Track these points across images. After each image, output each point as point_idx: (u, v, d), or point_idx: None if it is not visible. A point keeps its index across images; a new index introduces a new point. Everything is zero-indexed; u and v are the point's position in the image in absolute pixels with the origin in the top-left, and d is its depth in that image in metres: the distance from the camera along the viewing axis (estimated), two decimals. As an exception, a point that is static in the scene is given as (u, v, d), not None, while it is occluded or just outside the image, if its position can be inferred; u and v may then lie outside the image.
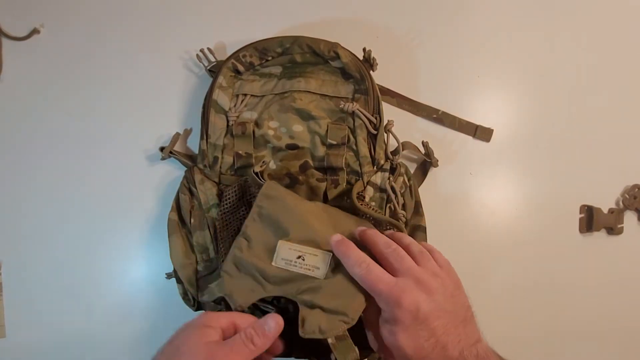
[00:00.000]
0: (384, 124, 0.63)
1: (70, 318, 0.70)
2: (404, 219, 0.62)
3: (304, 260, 0.52)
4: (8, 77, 0.72)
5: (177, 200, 0.65)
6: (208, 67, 0.68)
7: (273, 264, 0.52)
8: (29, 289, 0.70)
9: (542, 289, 0.72)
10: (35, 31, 0.71)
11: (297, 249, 0.52)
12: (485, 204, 0.72)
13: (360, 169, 0.62)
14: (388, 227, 0.60)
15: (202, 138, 0.64)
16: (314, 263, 0.52)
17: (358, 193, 0.61)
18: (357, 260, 0.48)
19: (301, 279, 0.51)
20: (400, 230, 0.58)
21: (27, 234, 0.71)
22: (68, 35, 0.72)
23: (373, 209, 0.60)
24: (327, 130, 0.62)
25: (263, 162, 0.62)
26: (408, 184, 0.64)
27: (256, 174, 0.59)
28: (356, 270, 0.48)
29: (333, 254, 0.51)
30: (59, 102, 0.71)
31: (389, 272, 0.48)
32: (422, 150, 0.68)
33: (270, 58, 0.65)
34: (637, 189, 0.72)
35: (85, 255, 0.71)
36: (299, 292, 0.51)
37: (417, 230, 0.64)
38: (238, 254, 0.54)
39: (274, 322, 0.46)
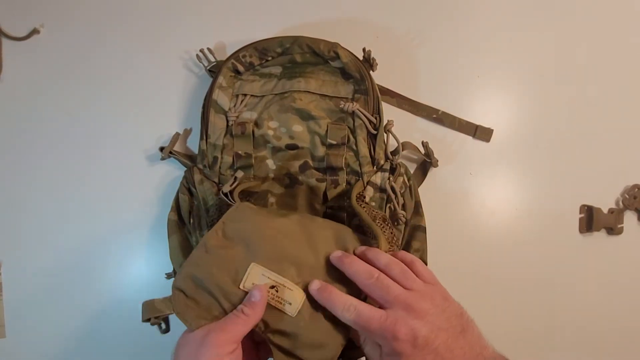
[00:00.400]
0: (384, 124, 0.63)
1: (70, 318, 0.70)
2: (404, 219, 0.62)
3: (277, 292, 0.48)
4: (8, 77, 0.72)
5: (177, 200, 0.65)
6: (208, 67, 0.68)
7: (241, 286, 0.48)
8: (29, 289, 0.70)
9: (542, 289, 0.72)
10: (35, 31, 0.71)
11: (271, 277, 0.49)
12: (485, 204, 0.72)
13: (360, 169, 0.62)
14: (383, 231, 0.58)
15: (201, 138, 0.64)
16: (288, 298, 0.48)
17: (358, 194, 0.60)
18: (344, 306, 0.47)
19: (270, 311, 0.48)
20: (378, 243, 0.54)
21: (27, 234, 0.71)
22: (68, 35, 0.72)
23: (371, 212, 0.59)
24: (327, 130, 0.62)
25: (235, 178, 0.59)
26: (408, 184, 0.64)
27: (225, 194, 0.57)
28: (346, 316, 0.47)
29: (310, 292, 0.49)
30: (59, 102, 0.71)
31: (376, 303, 0.48)
32: (422, 150, 0.68)
33: (270, 58, 0.65)
34: (637, 189, 0.72)
35: (85, 255, 0.71)
36: (270, 331, 0.48)
37: (417, 230, 0.64)
38: (195, 270, 0.49)
39: (258, 292, 0.47)
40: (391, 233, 0.58)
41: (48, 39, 0.72)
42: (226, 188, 0.58)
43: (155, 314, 0.51)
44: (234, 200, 0.56)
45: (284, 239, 0.51)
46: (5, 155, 0.71)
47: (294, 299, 0.48)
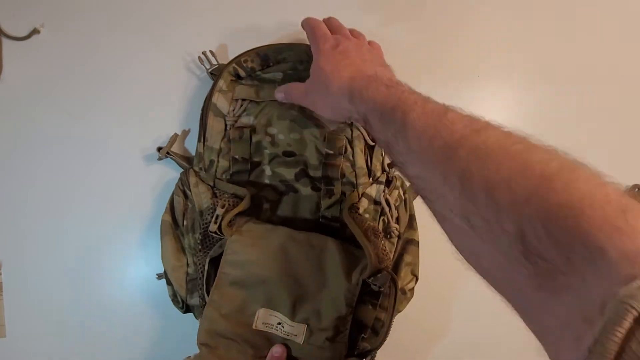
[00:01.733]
0: (382, 136, 0.63)
1: (70, 318, 0.71)
2: (397, 232, 0.62)
3: (283, 327, 0.57)
4: (8, 77, 0.71)
5: (172, 202, 0.65)
6: (210, 70, 0.67)
7: (254, 327, 0.57)
8: (29, 289, 0.71)
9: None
10: (35, 31, 0.71)
11: (277, 316, 0.57)
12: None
13: (356, 180, 0.62)
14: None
15: (199, 140, 0.64)
16: (292, 331, 0.57)
17: (352, 205, 0.61)
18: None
19: (281, 341, 0.58)
20: (376, 248, 0.59)
21: (27, 234, 0.71)
22: (68, 35, 0.72)
23: (362, 224, 0.59)
24: (324, 140, 0.62)
25: (217, 216, 0.60)
26: (403, 197, 0.64)
27: (214, 232, 0.59)
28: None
29: (307, 325, 0.57)
30: (59, 102, 0.71)
31: None
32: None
33: (271, 64, 0.64)
34: (637, 189, 0.72)
35: (84, 255, 0.71)
36: (287, 357, 0.57)
37: (410, 244, 0.64)
38: (211, 325, 0.57)
39: (280, 348, 0.57)
40: (382, 245, 0.58)
41: (48, 39, 0.72)
42: (212, 227, 0.59)
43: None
44: (222, 234, 0.59)
45: (276, 278, 0.58)
46: (5, 155, 0.71)
47: (299, 331, 0.57)
